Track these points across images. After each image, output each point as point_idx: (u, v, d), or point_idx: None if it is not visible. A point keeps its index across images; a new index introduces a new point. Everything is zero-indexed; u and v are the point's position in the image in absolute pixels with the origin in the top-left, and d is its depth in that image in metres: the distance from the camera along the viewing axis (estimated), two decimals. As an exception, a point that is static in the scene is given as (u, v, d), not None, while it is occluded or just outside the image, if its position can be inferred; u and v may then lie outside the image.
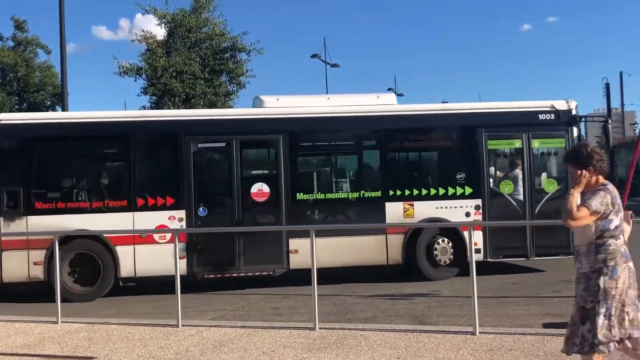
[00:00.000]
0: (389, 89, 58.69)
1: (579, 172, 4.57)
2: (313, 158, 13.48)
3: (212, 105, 22.71)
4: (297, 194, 12.10)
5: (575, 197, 4.51)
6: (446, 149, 12.72)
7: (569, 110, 12.55)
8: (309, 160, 13.40)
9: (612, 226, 4.53)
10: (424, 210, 12.08)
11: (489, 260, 12.01)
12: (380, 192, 12.23)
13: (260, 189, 12.13)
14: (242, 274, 11.91)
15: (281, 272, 11.83)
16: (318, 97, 13.74)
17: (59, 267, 9.43)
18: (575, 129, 12.55)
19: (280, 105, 12.41)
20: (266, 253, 11.85)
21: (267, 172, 12.85)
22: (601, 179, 4.63)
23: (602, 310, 4.45)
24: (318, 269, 7.96)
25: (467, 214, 12.13)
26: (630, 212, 4.85)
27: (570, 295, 10.13)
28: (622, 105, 64.71)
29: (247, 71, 23.40)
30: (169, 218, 11.60)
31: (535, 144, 12.64)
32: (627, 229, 4.77)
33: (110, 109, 22.64)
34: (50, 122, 12.46)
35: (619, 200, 4.58)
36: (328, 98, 13.21)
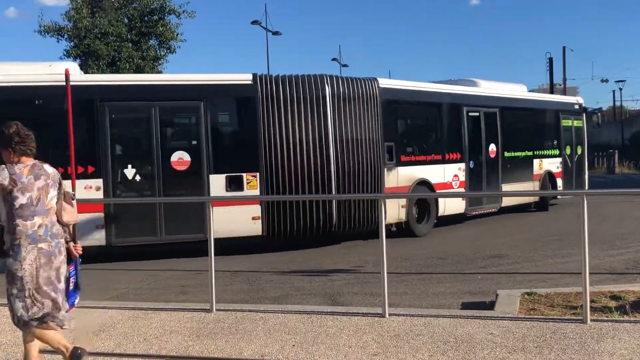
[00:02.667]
0: (334, 59, 57.97)
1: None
2: None
3: (138, 69, 21.48)
4: None
5: None
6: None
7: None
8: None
9: (16, 204, 4.40)
10: None
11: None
12: None
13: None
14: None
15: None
16: None
17: None
18: None
19: None
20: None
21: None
22: (26, 159, 4.52)
23: (15, 292, 4.42)
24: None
25: None
26: (72, 192, 4.77)
27: (496, 272, 9.74)
28: (565, 80, 65.41)
29: (177, 35, 22.22)
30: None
31: None
32: (69, 209, 4.70)
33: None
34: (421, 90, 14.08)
35: (24, 179, 4.43)
36: None
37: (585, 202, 5.84)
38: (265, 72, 12.26)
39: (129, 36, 21.51)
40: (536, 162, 16.70)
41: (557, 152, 17.40)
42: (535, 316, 6.15)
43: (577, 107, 18.78)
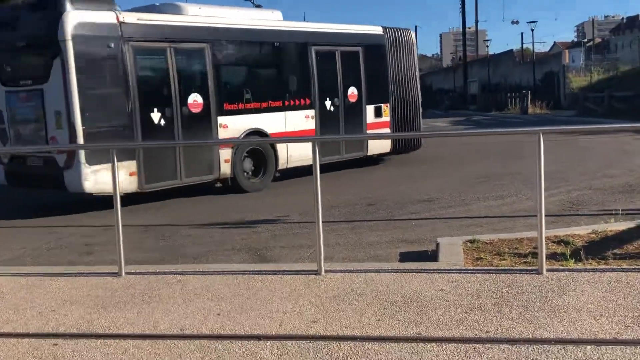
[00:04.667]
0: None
1: None
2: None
3: None
4: None
5: None
6: None
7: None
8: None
9: None
10: None
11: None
12: None
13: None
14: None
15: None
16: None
17: None
18: None
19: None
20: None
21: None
22: None
23: None
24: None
25: None
26: None
27: (428, 217, 9.23)
28: (477, 22, 65.88)
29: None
30: None
31: None
32: None
33: None
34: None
35: None
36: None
37: (542, 140, 5.24)
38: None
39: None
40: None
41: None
42: (486, 267, 5.60)
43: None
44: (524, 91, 39.66)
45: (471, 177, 12.53)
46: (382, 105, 14.91)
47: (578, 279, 5.05)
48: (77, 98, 9.85)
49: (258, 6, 54.90)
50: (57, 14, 9.85)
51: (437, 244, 6.60)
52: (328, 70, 13.71)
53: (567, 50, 56.71)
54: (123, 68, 10.45)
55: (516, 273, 5.32)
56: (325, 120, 13.48)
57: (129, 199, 10.30)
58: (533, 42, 50.32)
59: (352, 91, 14.21)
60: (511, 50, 60.47)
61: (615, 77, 36.06)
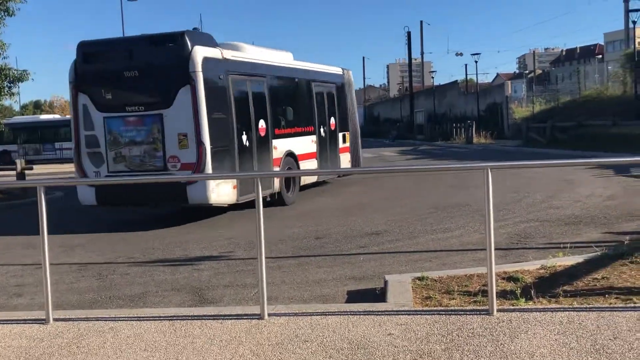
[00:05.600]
0: (194, 28, 55.70)
1: None
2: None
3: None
4: None
5: None
6: None
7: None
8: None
9: None
10: None
11: None
12: None
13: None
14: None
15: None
16: None
17: None
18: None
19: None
20: None
21: None
22: None
23: None
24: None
25: None
26: None
27: (377, 251, 9.03)
28: (422, 54, 67.09)
29: (17, -5, 19.64)
30: None
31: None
32: None
33: None
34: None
35: None
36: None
37: (490, 175, 5.11)
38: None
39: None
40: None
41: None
42: (435, 309, 5.39)
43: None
44: (469, 121, 40.26)
45: (420, 208, 12.44)
46: (346, 133, 17.80)
47: (529, 320, 4.88)
48: (205, 121, 11.33)
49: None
50: (187, 49, 11.33)
51: (385, 282, 6.38)
52: (320, 103, 16.34)
53: (509, 81, 58.05)
54: (227, 96, 12.13)
55: (466, 314, 5.13)
56: (320, 144, 16.04)
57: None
58: (477, 74, 51.32)
59: (332, 121, 16.88)
60: (456, 81, 61.65)
61: (556, 107, 36.93)
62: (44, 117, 49.56)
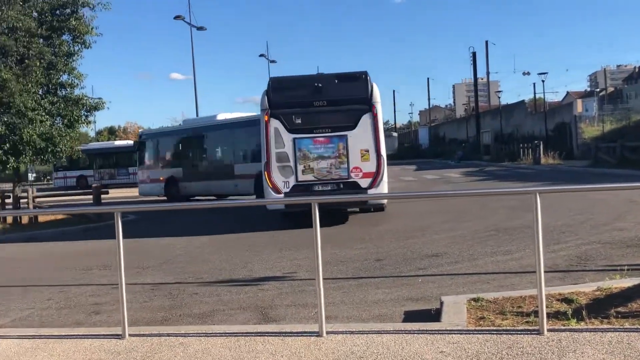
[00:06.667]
0: (261, 55, 57.09)
1: None
2: None
3: (51, 65, 20.05)
4: None
5: None
6: None
7: None
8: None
9: None
10: None
11: None
12: None
13: None
14: None
15: None
16: None
17: None
18: None
19: None
20: None
21: None
22: None
23: None
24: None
25: None
26: None
27: (436, 273, 9.21)
28: (488, 74, 66.59)
29: (92, 29, 20.84)
30: None
31: None
32: None
33: None
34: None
35: None
36: None
37: (539, 200, 5.29)
38: (191, 69, 15.42)
39: (39, 31, 20.01)
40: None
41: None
42: (487, 328, 5.57)
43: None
44: (536, 142, 39.63)
45: (480, 231, 12.52)
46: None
47: (579, 340, 5.01)
48: (383, 139, 14.77)
49: (272, 61, 55.57)
50: (369, 84, 14.73)
51: (441, 303, 6.59)
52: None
53: (579, 100, 56.88)
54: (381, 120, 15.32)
55: (517, 333, 5.30)
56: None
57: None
58: (544, 93, 51.32)
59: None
60: (523, 101, 60.82)
61: (627, 126, 36.02)
62: (119, 142, 51.69)
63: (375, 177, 14.47)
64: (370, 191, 14.26)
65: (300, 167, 14.58)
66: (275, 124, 14.63)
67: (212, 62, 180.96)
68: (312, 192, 14.31)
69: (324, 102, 14.63)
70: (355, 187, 14.39)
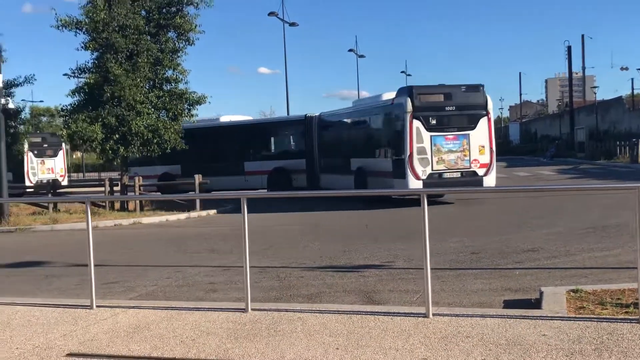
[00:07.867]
0: (350, 50, 57.62)
1: None
2: None
3: (157, 61, 21.28)
4: None
5: None
6: None
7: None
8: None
9: None
10: None
11: None
12: None
13: None
14: None
15: None
16: None
17: None
18: None
19: None
20: None
21: None
22: None
23: None
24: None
25: None
26: None
27: (533, 266, 9.44)
28: (584, 68, 64.54)
29: (195, 26, 21.94)
30: None
31: None
32: None
33: (54, 64, 20.86)
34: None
35: None
36: None
37: (641, 196, 5.53)
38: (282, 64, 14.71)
39: (147, 28, 21.26)
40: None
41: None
42: (588, 316, 5.85)
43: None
44: (634, 139, 38.34)
45: (576, 228, 12.57)
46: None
47: (679, 330, 5.24)
48: (493, 138, 19.00)
49: (361, 56, 56.07)
50: (484, 95, 19.00)
51: (541, 293, 6.88)
52: None
53: (681, 96, 54.25)
54: None
55: (617, 322, 5.57)
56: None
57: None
58: (644, 88, 48.52)
59: None
60: (620, 97, 58.63)
61: None
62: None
63: (489, 167, 18.58)
64: (485, 178, 18.40)
65: (435, 159, 18.22)
66: (417, 124, 18.12)
67: (303, 56, 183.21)
68: (443, 179, 18.19)
69: (453, 107, 18.49)
70: (474, 175, 18.41)
